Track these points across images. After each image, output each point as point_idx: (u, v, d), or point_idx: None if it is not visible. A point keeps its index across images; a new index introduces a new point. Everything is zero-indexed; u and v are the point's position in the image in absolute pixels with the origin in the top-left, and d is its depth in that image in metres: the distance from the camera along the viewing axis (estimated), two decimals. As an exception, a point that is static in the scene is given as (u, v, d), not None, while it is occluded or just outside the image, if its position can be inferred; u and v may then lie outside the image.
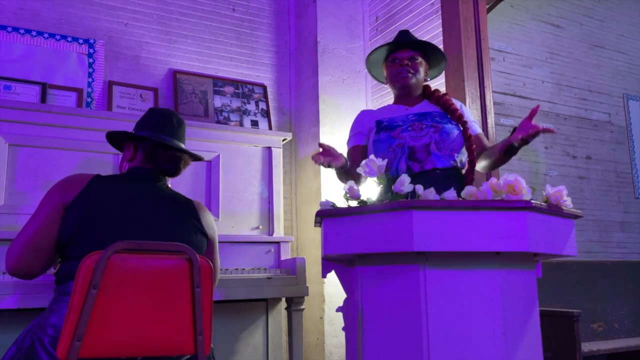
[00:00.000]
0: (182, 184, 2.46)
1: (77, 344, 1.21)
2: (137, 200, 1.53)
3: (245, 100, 3.11)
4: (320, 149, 1.80)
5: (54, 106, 2.38)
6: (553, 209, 1.39)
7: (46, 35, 2.74)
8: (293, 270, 2.42)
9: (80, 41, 2.81)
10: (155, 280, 1.32)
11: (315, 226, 1.64)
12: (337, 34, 3.23)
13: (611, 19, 4.59)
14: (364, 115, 2.06)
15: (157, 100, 2.91)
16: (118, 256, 1.28)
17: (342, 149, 2.00)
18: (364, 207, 1.41)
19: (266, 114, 3.14)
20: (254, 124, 3.06)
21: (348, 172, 1.88)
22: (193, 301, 1.35)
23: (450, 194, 1.37)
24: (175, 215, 1.57)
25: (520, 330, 1.37)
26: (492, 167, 1.90)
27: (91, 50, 2.82)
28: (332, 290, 2.87)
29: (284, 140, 2.81)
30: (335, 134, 3.07)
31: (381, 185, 1.74)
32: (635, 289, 3.46)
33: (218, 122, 2.94)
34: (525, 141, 1.65)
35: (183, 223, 1.58)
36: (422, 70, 1.99)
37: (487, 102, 2.53)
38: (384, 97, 3.06)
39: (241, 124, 3.00)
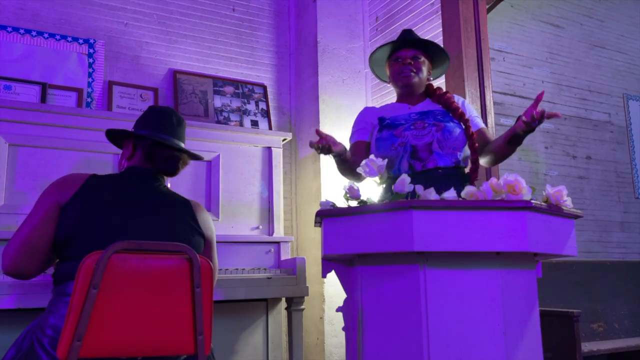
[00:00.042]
0: (182, 183, 2.46)
1: (77, 344, 1.21)
2: (134, 201, 1.53)
3: (245, 100, 3.11)
4: (318, 138, 1.78)
5: (54, 106, 2.38)
6: (553, 209, 1.39)
7: (46, 35, 2.74)
8: (293, 270, 2.42)
9: (80, 41, 2.81)
10: (155, 280, 1.32)
11: (315, 226, 1.64)
12: (337, 34, 3.23)
13: (611, 19, 4.59)
14: (367, 112, 2.06)
15: (157, 100, 2.91)
16: (118, 256, 1.28)
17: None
18: (364, 207, 1.41)
19: (266, 114, 3.14)
20: (254, 124, 3.06)
21: (347, 161, 1.87)
22: (193, 301, 1.35)
23: (450, 194, 1.37)
24: (172, 216, 1.57)
25: (520, 330, 1.37)
26: (497, 159, 1.89)
27: (91, 50, 2.83)
28: (332, 290, 2.87)
29: (284, 140, 2.81)
30: (335, 134, 3.04)
31: (383, 185, 1.74)
32: (635, 289, 3.46)
33: (218, 122, 2.94)
34: (529, 127, 1.63)
35: (180, 224, 1.57)
36: (424, 69, 1.99)
37: (487, 102, 2.53)
38: (384, 97, 3.06)
39: (241, 124, 3.00)
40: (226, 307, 2.39)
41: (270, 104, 3.30)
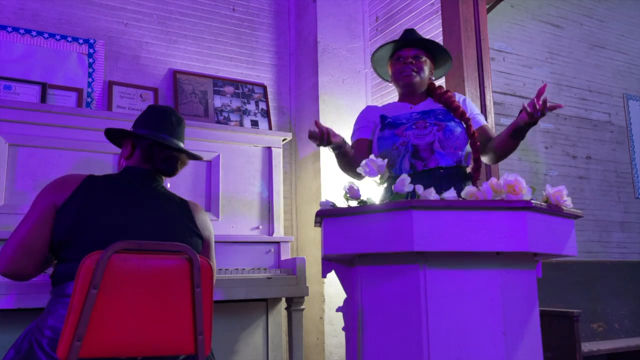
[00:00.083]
0: (182, 183, 2.46)
1: (77, 344, 1.21)
2: (131, 202, 1.52)
3: (245, 100, 3.11)
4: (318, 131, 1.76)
5: (54, 106, 2.38)
6: (553, 209, 1.39)
7: (46, 35, 2.74)
8: (293, 270, 2.42)
9: (80, 41, 2.81)
10: (155, 280, 1.32)
11: (315, 226, 1.64)
12: (337, 34, 3.23)
13: (611, 19, 4.59)
14: (369, 110, 2.06)
15: (157, 100, 2.91)
16: (118, 256, 1.28)
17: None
18: (364, 207, 1.41)
19: (266, 114, 3.14)
20: (254, 124, 3.06)
21: (347, 154, 1.86)
22: (193, 301, 1.35)
23: (450, 194, 1.37)
24: (170, 217, 1.56)
25: (520, 330, 1.37)
26: (500, 155, 1.88)
27: (91, 50, 2.83)
28: (332, 290, 2.87)
29: (284, 140, 2.81)
30: (335, 134, 3.06)
31: (384, 185, 1.74)
32: (635, 289, 3.46)
33: (218, 122, 2.94)
34: (532, 118, 1.63)
35: (177, 225, 1.56)
36: (426, 69, 1.99)
37: (487, 102, 2.53)
38: (384, 97, 3.06)
39: (241, 124, 3.00)
40: (226, 307, 2.39)
41: (270, 104, 3.30)
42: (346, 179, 1.93)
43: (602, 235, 4.12)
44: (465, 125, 1.88)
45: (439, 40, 2.65)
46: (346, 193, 1.51)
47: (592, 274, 3.33)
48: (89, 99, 2.75)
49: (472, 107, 1.99)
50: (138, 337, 1.28)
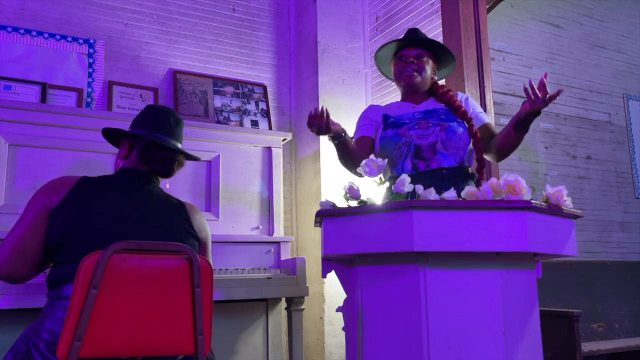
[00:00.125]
0: (182, 183, 2.46)
1: (77, 344, 1.21)
2: (126, 204, 1.51)
3: (245, 100, 3.12)
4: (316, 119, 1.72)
5: (54, 106, 2.38)
6: (553, 209, 1.39)
7: (46, 35, 2.74)
8: (293, 270, 2.42)
9: (80, 41, 2.81)
10: (155, 280, 1.32)
11: (315, 226, 1.64)
12: (337, 34, 3.23)
13: (611, 19, 4.59)
14: (372, 110, 2.06)
15: (157, 100, 2.91)
16: (118, 256, 1.28)
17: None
18: (364, 207, 1.41)
19: (266, 114, 3.14)
20: (254, 124, 3.06)
21: (347, 145, 1.84)
22: (193, 301, 1.35)
23: (450, 194, 1.37)
24: (166, 219, 1.56)
25: (520, 330, 1.37)
26: (504, 151, 1.86)
27: (91, 50, 2.83)
28: (332, 290, 2.87)
29: (284, 140, 2.81)
30: (335, 134, 3.06)
31: (386, 185, 1.73)
32: (635, 289, 3.46)
33: (218, 122, 2.94)
34: (534, 106, 1.61)
35: (174, 227, 1.56)
36: (428, 68, 1.98)
37: (487, 102, 2.53)
38: (384, 97, 3.06)
39: (241, 124, 3.00)
40: (226, 307, 2.39)
41: (270, 104, 3.30)
42: (346, 179, 1.93)
43: (602, 235, 4.12)
44: (467, 125, 1.88)
45: (439, 40, 2.65)
46: (346, 193, 1.50)
47: (592, 274, 3.33)
48: (89, 99, 2.75)
49: (475, 106, 1.99)
50: (138, 337, 1.28)
